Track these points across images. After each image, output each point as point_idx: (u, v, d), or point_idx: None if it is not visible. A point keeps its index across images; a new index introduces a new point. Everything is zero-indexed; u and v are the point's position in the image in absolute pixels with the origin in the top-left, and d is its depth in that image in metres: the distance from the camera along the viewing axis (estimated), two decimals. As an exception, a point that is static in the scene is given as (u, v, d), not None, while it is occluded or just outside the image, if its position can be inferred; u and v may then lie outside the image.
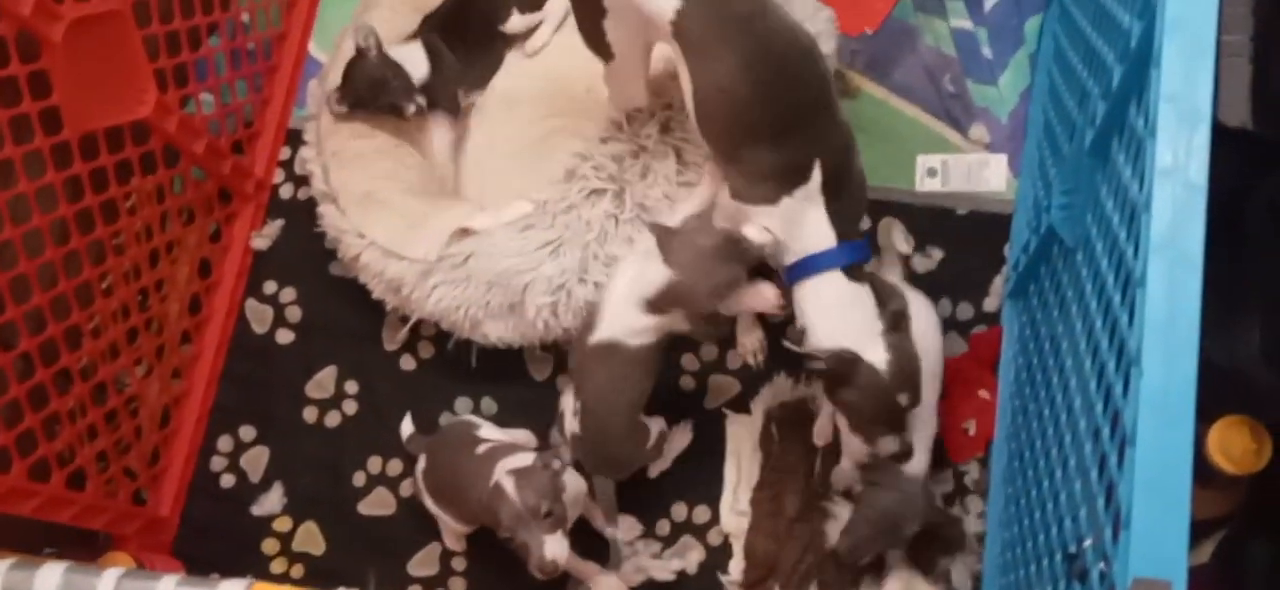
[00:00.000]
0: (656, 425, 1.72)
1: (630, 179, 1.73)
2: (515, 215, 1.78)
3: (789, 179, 1.44)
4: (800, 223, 1.45)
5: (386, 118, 1.95)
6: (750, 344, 1.84)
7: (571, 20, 1.96)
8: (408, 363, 1.98)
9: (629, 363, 1.59)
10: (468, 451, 1.69)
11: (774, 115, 1.41)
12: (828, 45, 1.72)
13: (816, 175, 1.43)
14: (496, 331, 1.80)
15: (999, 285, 1.81)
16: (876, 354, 1.44)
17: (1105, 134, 1.17)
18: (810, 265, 1.47)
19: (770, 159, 1.43)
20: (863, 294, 1.47)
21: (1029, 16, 1.90)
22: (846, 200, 1.47)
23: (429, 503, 1.77)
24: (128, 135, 1.77)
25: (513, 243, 1.76)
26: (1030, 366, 1.57)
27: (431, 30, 1.96)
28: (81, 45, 1.59)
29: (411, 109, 1.90)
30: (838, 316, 1.46)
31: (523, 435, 1.83)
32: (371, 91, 1.88)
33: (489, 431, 1.79)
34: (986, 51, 1.90)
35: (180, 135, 1.86)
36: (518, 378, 1.91)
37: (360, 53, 1.87)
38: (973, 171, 1.84)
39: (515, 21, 2.01)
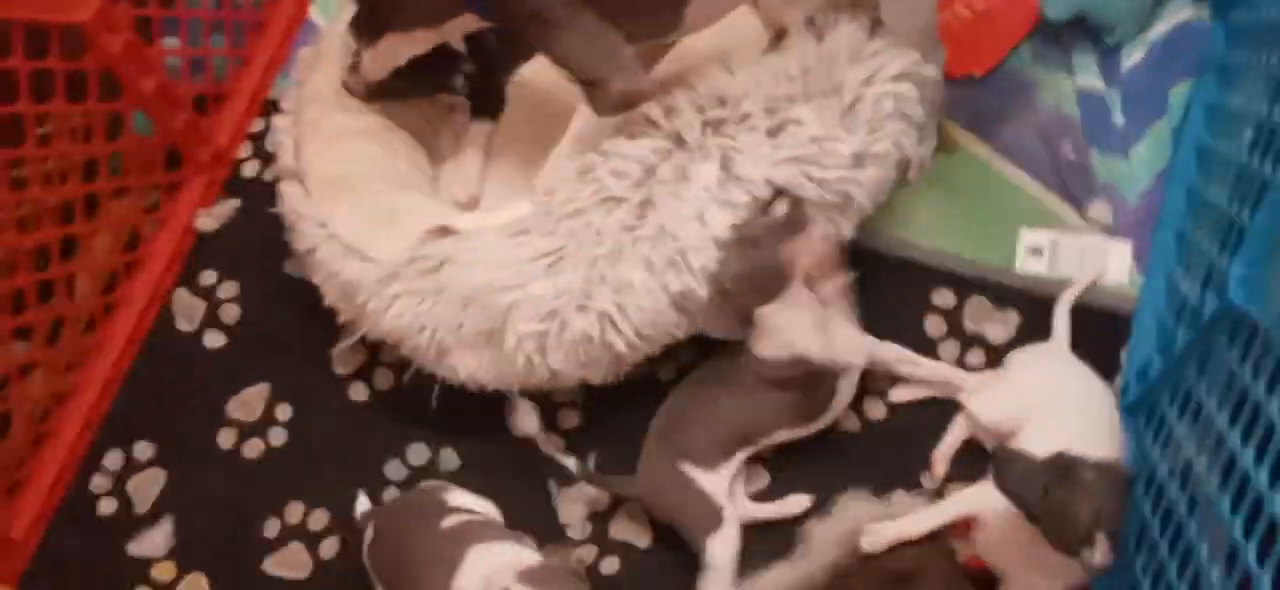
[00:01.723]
0: None
1: (658, 189, 1.36)
2: (510, 217, 1.41)
3: None
4: None
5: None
6: None
7: None
8: (358, 391, 1.60)
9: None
10: (431, 524, 1.29)
11: None
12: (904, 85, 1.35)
13: None
14: (467, 366, 1.41)
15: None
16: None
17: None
18: None
19: None
20: None
21: (1174, 83, 1.55)
22: None
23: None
24: (55, 41, 1.43)
25: (500, 250, 1.38)
26: (1161, 492, 1.18)
27: None
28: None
29: (460, 83, 1.57)
30: None
31: (488, 508, 1.40)
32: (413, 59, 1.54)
33: (460, 498, 1.38)
34: (1119, 118, 1.54)
35: (125, 62, 1.52)
36: (494, 430, 1.50)
37: None
38: (1088, 256, 1.46)
39: None
